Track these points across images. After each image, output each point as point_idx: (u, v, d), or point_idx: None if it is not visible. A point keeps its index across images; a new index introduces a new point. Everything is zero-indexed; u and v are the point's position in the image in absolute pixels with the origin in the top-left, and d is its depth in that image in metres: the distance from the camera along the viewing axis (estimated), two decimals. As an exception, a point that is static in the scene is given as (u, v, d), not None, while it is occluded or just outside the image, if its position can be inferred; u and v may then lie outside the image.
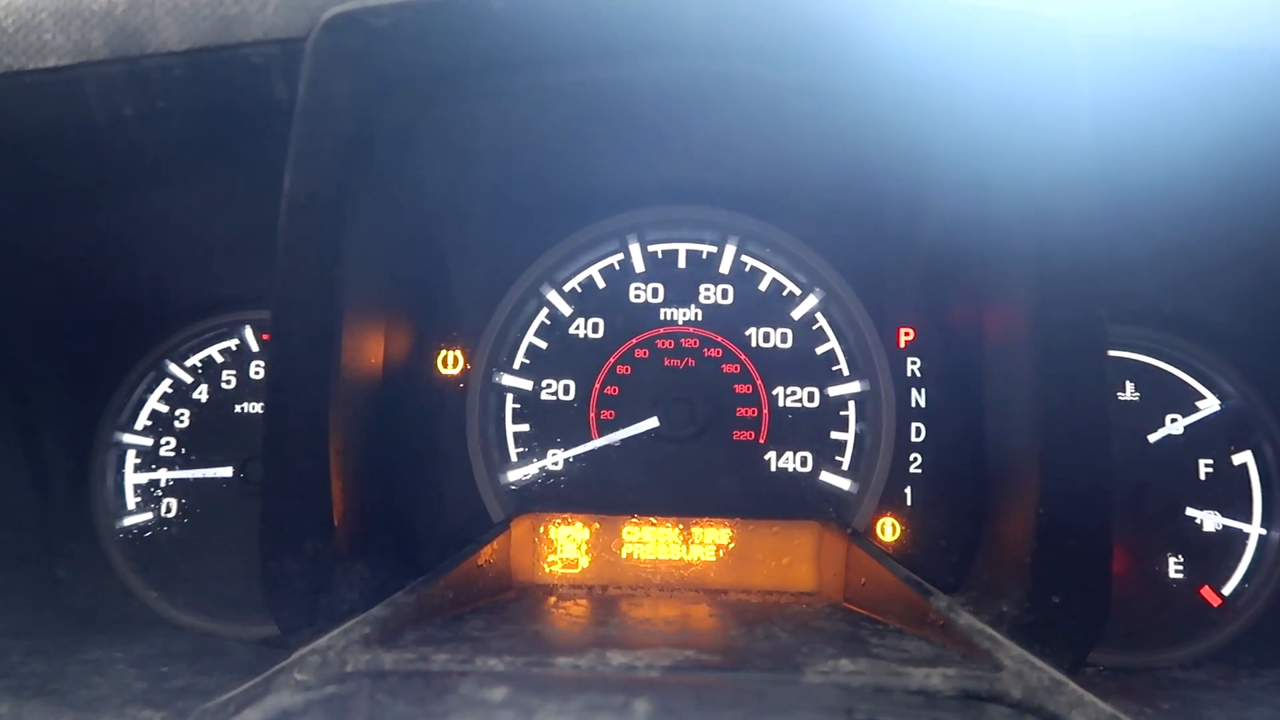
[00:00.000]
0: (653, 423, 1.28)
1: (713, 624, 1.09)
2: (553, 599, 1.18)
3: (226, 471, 1.31)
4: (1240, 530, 1.25)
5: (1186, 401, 1.29)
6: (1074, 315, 0.96)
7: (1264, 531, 1.25)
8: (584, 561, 1.27)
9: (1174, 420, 1.28)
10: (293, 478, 0.99)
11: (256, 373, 1.36)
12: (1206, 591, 1.25)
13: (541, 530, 1.27)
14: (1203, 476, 1.27)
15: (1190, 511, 1.25)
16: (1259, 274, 1.18)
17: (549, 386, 1.32)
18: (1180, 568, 1.26)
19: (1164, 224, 1.13)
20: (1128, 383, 1.30)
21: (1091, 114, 0.87)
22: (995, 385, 1.15)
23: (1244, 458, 1.27)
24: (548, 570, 1.27)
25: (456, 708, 0.75)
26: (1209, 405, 1.28)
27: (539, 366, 1.32)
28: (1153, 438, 1.27)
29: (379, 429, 1.17)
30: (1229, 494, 1.27)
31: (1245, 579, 1.25)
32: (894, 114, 1.04)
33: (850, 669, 0.86)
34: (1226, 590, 1.25)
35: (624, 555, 1.27)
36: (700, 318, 1.33)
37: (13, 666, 1.04)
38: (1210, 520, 1.25)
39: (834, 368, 1.31)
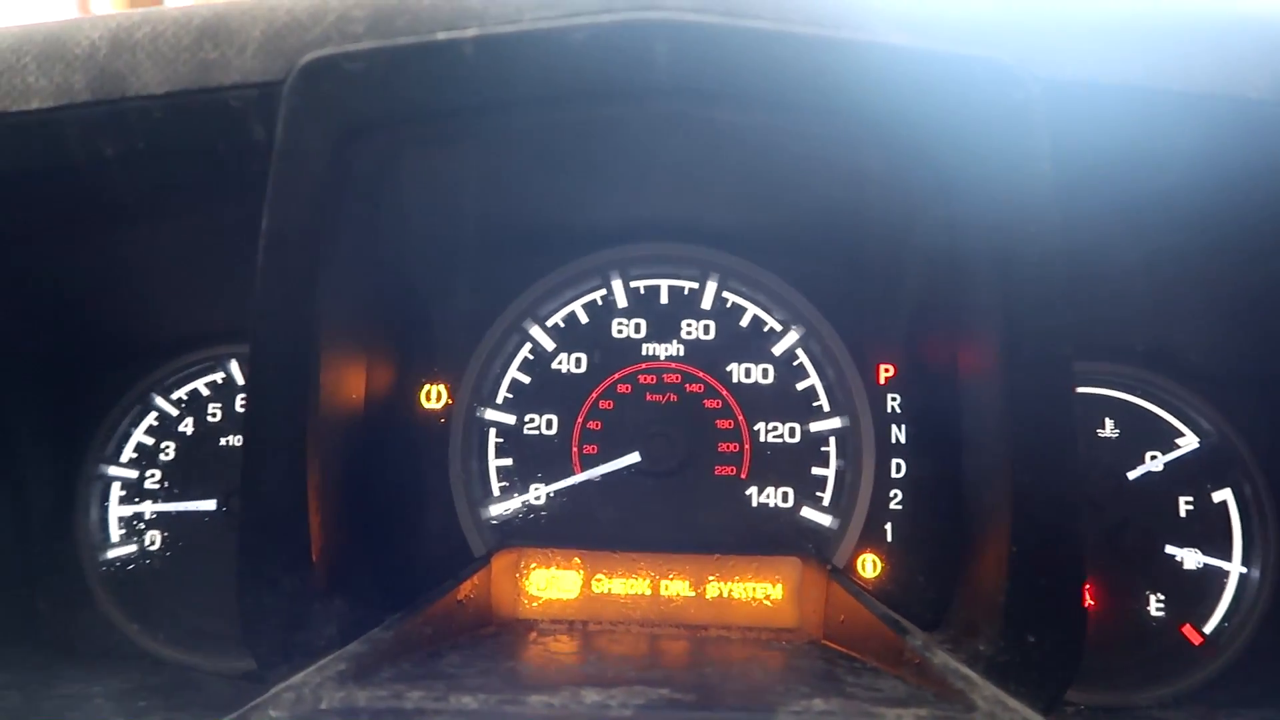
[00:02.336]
0: (634, 457, 1.29)
1: (689, 661, 1.09)
2: (533, 634, 1.18)
3: (210, 504, 1.32)
4: (1220, 568, 1.25)
5: (1166, 439, 1.29)
6: (1039, 354, 0.97)
7: (1244, 569, 1.25)
8: (565, 597, 1.27)
9: (1154, 457, 1.28)
10: (270, 513, 1.00)
11: (242, 406, 1.37)
12: (1188, 630, 1.25)
13: (523, 565, 1.27)
14: (1183, 514, 1.28)
15: (1170, 549, 1.26)
16: (1235, 314, 1.19)
17: (531, 421, 1.33)
18: (1161, 606, 1.25)
19: (1138, 264, 1.14)
20: (1107, 419, 1.30)
21: (1052, 157, 0.89)
22: (969, 423, 1.16)
23: (1224, 495, 1.27)
24: (528, 605, 1.27)
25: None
26: (1188, 442, 1.28)
27: (522, 401, 1.33)
28: (1132, 475, 1.27)
29: (359, 463, 1.17)
30: (1209, 531, 1.27)
31: (1226, 617, 1.24)
32: (871, 155, 1.06)
33: (822, 709, 0.85)
34: (1207, 629, 1.25)
35: (605, 591, 1.27)
36: (682, 353, 1.34)
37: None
38: (1190, 558, 1.26)
39: (814, 404, 1.32)
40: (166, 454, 1.36)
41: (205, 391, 1.37)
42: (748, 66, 0.87)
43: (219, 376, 1.37)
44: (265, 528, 1.00)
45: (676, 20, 0.87)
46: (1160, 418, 1.30)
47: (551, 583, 1.28)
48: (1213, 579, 1.25)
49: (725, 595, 1.27)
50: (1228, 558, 1.26)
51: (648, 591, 1.28)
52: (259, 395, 0.94)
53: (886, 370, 1.31)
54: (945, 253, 1.12)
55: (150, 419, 1.36)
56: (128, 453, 1.35)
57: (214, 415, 1.36)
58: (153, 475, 1.35)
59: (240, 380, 1.37)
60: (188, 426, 1.36)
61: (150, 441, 1.36)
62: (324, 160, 0.88)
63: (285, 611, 1.02)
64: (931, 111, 0.90)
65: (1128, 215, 1.03)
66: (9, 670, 1.14)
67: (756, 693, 0.95)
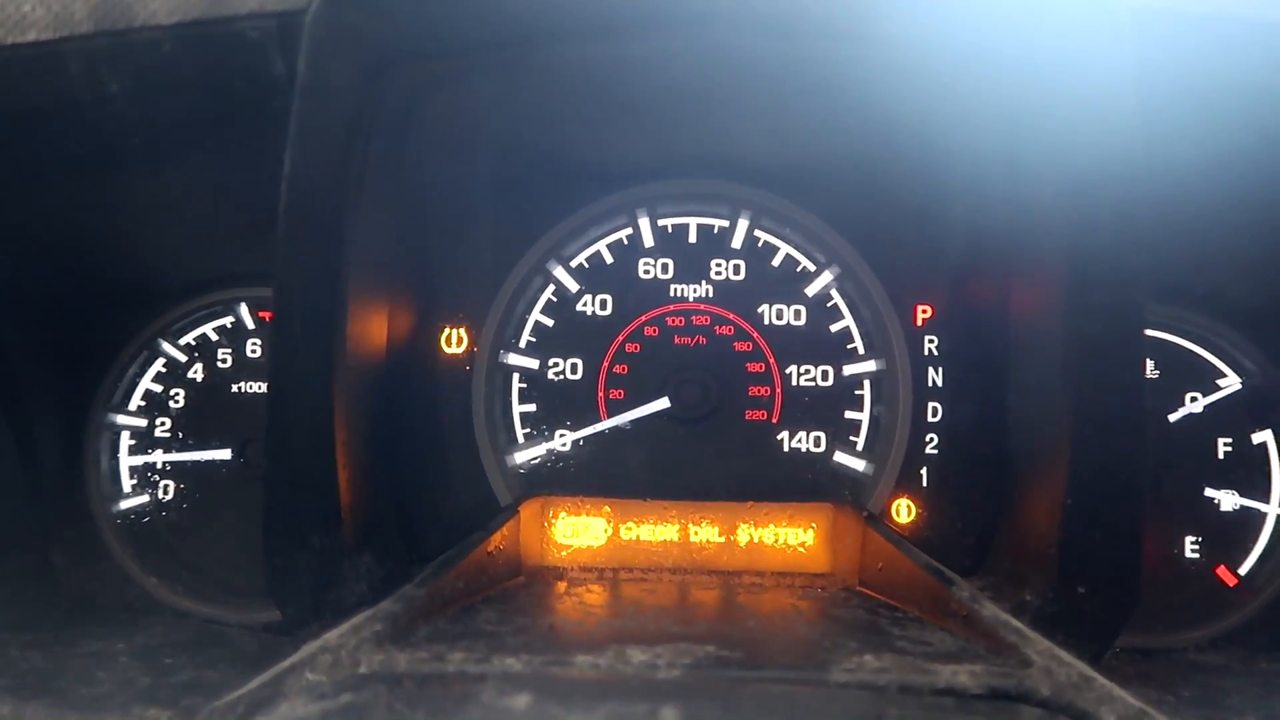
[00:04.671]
0: (663, 403, 1.25)
1: (729, 613, 1.07)
2: (563, 585, 1.16)
3: (225, 454, 1.28)
4: (1258, 510, 1.24)
5: (1207, 380, 1.27)
6: (1111, 298, 0.93)
7: (1281, 511, 1.24)
8: (594, 544, 1.25)
9: (1194, 399, 1.26)
10: (298, 469, 0.96)
11: (253, 351, 1.32)
12: (1222, 571, 1.24)
13: (550, 513, 1.24)
14: (1221, 455, 1.26)
15: (1208, 491, 1.24)
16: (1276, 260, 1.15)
17: (556, 366, 1.29)
18: (1196, 548, 1.25)
19: (1190, 201, 1.09)
20: (1149, 361, 1.27)
21: (1138, 91, 0.83)
22: (1020, 367, 1.12)
23: (1264, 436, 1.25)
24: (556, 554, 1.25)
25: (478, 718, 0.73)
26: (1230, 383, 1.26)
27: (546, 345, 1.29)
28: (1173, 417, 1.25)
29: (383, 414, 1.13)
30: (1248, 473, 1.25)
31: (1262, 559, 1.24)
32: (919, 88, 0.99)
33: (876, 666, 0.84)
34: (1243, 570, 1.24)
35: (634, 538, 1.25)
36: (711, 294, 1.29)
37: (12, 662, 1.01)
38: (1228, 500, 1.24)
39: (849, 346, 1.28)
40: (176, 401, 1.31)
41: (214, 336, 1.32)
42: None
43: (228, 320, 1.32)
44: (293, 484, 0.96)
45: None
46: (1202, 358, 1.27)
47: (580, 530, 1.25)
48: (1250, 521, 1.24)
49: (756, 541, 1.25)
50: (1266, 499, 1.24)
51: (677, 538, 1.26)
52: (284, 348, 0.89)
53: (924, 311, 1.27)
54: (1002, 189, 1.07)
55: (158, 365, 1.31)
56: (136, 400, 1.31)
57: (224, 361, 1.32)
58: (163, 424, 1.31)
59: (250, 324, 1.32)
60: (197, 373, 1.32)
61: (159, 389, 1.31)
62: (349, 97, 0.81)
63: (315, 569, 0.99)
64: (1006, 38, 0.83)
65: (1193, 152, 0.97)
66: (28, 629, 1.11)
67: (805, 649, 0.93)
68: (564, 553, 1.24)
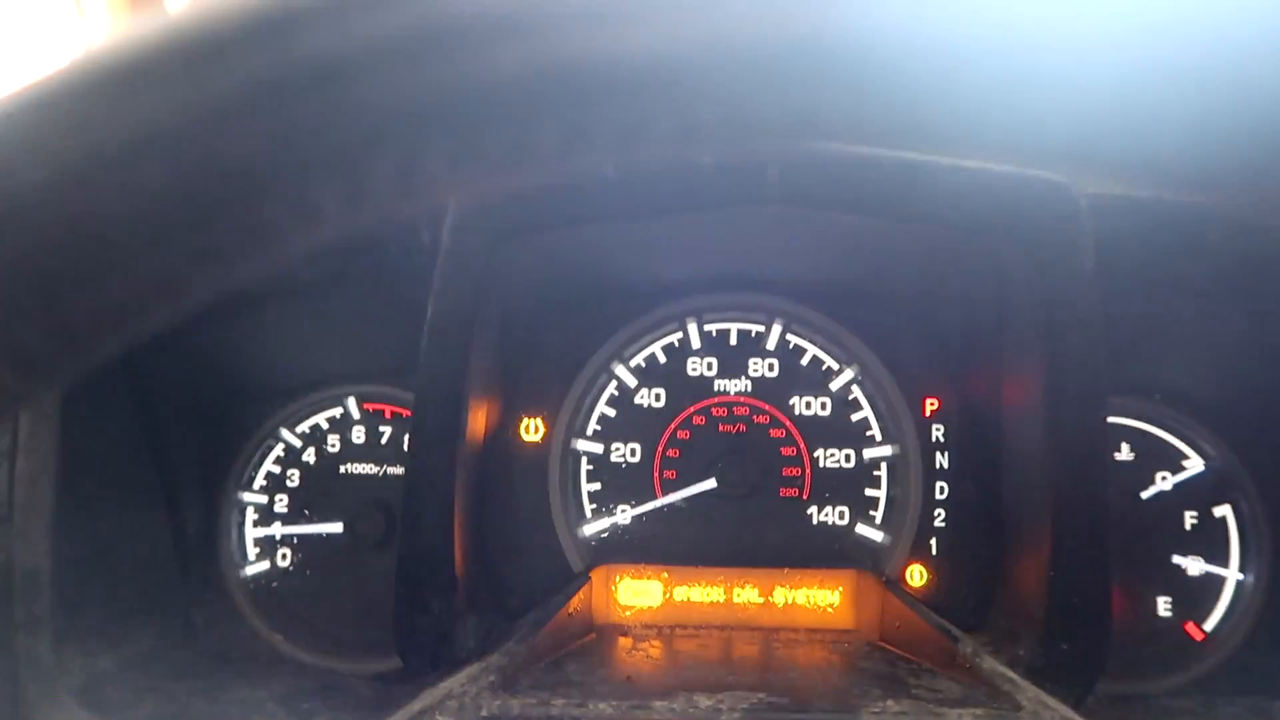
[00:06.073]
0: (710, 483, 1.47)
1: (772, 665, 1.28)
2: (629, 640, 1.37)
3: (337, 527, 1.50)
4: (1220, 574, 1.44)
5: (1175, 462, 1.47)
6: (1079, 390, 1.16)
7: (1240, 576, 1.44)
8: (652, 605, 1.46)
9: (1164, 478, 1.47)
10: (425, 546, 1.18)
11: (358, 437, 1.54)
12: (1191, 628, 1.44)
13: (616, 579, 1.46)
14: (1188, 527, 1.46)
15: (1176, 558, 1.44)
16: (1236, 360, 1.38)
17: (618, 450, 1.51)
18: (1168, 607, 1.44)
19: (1159, 322, 1.33)
20: (1124, 445, 1.48)
21: (1095, 252, 1.07)
22: (1012, 453, 1.35)
23: (1224, 511, 1.46)
24: (620, 613, 1.46)
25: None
26: (1194, 465, 1.47)
27: (609, 432, 1.51)
28: (1145, 494, 1.46)
29: (480, 495, 1.36)
30: (1211, 542, 1.45)
31: (1225, 617, 1.43)
32: (935, 239, 1.23)
33: (897, 710, 1.05)
34: (1208, 627, 1.44)
35: (686, 599, 1.46)
36: (750, 389, 1.51)
37: (183, 707, 1.22)
38: (1194, 566, 1.44)
39: (868, 433, 1.50)
40: (292, 481, 1.53)
41: (325, 425, 1.54)
42: (847, 181, 1.04)
43: (338, 411, 1.54)
44: (421, 560, 1.19)
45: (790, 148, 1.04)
46: (1171, 443, 1.48)
47: (640, 593, 1.47)
48: (1213, 584, 1.44)
49: (791, 602, 1.46)
50: (1226, 565, 1.44)
51: (722, 599, 1.47)
52: (420, 448, 1.12)
53: (932, 404, 1.49)
54: (992, 310, 1.30)
55: (278, 450, 1.53)
56: (259, 480, 1.53)
57: (333, 446, 1.54)
58: (281, 500, 1.53)
59: (356, 414, 1.54)
60: (310, 456, 1.54)
61: (278, 470, 1.53)
62: (481, 260, 1.05)
63: (435, 629, 1.21)
64: (995, 216, 1.07)
65: (1152, 289, 1.21)
66: (182, 678, 1.33)
67: (838, 694, 1.14)
68: (628, 613, 1.45)
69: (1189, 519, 1.46)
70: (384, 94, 0.36)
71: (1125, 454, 1.48)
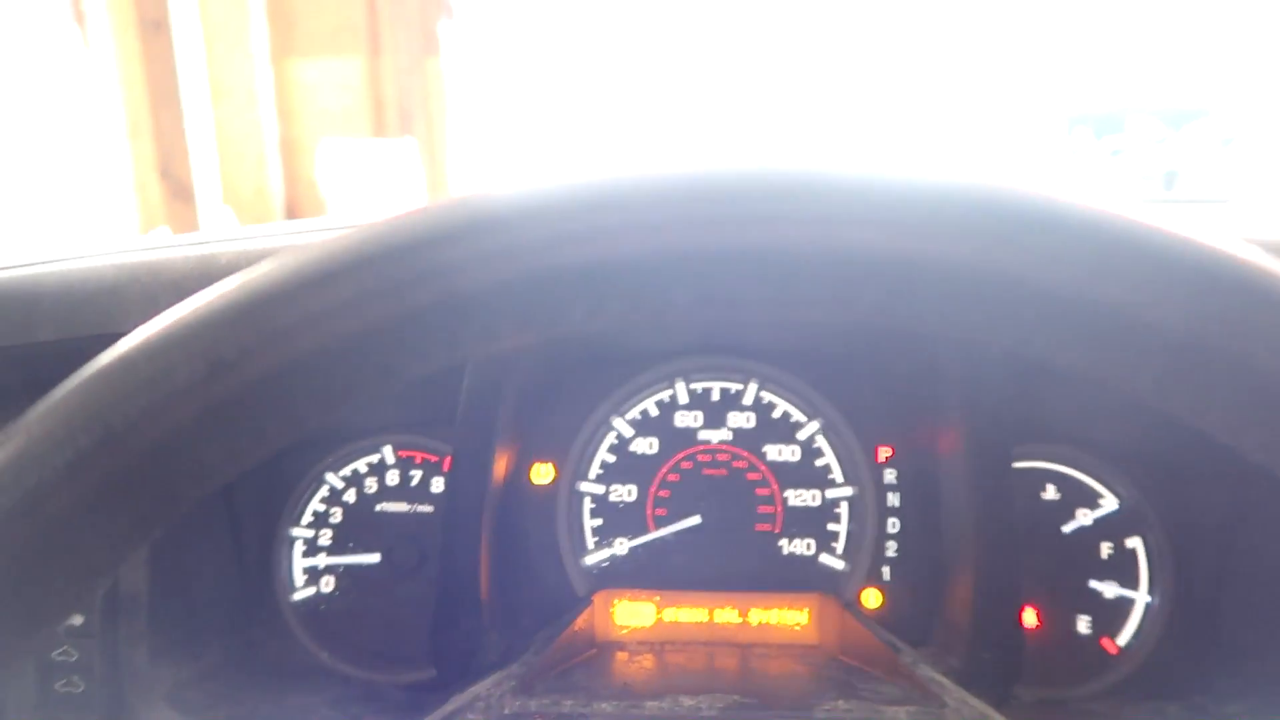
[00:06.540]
0: (696, 519, 1.72)
1: (746, 674, 1.52)
2: (625, 655, 1.61)
3: (374, 558, 1.74)
4: (1131, 597, 1.68)
5: (1093, 500, 1.72)
6: (990, 442, 1.42)
7: (1150, 599, 1.68)
8: (645, 624, 1.70)
9: (1084, 514, 1.71)
10: (458, 573, 1.43)
11: (392, 480, 1.78)
12: (1107, 642, 1.67)
13: (614, 602, 1.69)
14: (1104, 556, 1.70)
15: (1094, 583, 1.69)
16: (1145, 412, 1.63)
17: (616, 490, 1.76)
18: (1088, 625, 1.68)
19: (1079, 381, 1.58)
20: (1049, 485, 1.73)
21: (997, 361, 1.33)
22: (945, 491, 1.60)
23: (1135, 542, 1.69)
24: (618, 631, 1.70)
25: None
26: (1108, 502, 1.71)
27: (609, 476, 1.76)
28: (1066, 528, 1.70)
29: (499, 530, 1.60)
30: (1124, 569, 1.69)
31: (1136, 634, 1.67)
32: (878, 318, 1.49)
33: (845, 708, 1.29)
34: (1122, 642, 1.67)
35: (675, 620, 1.70)
36: (730, 438, 1.76)
37: (252, 711, 1.46)
38: (1109, 589, 1.68)
39: (830, 476, 1.74)
40: (335, 518, 1.77)
41: (364, 469, 1.79)
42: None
43: (375, 458, 1.78)
44: (454, 583, 1.43)
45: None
46: (1089, 485, 1.72)
47: (634, 614, 1.70)
48: (1126, 605, 1.67)
49: (764, 621, 1.70)
50: (1137, 589, 1.68)
51: (706, 619, 1.70)
52: (457, 491, 1.37)
53: (885, 451, 1.74)
54: (927, 378, 1.56)
55: (323, 491, 1.78)
56: (306, 517, 1.77)
57: (370, 488, 1.78)
58: (325, 534, 1.77)
59: (391, 460, 1.79)
60: (350, 496, 1.78)
61: (323, 508, 1.77)
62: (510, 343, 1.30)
63: (464, 643, 1.45)
64: (949, 310, 1.34)
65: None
66: (247, 687, 1.56)
67: (799, 697, 1.38)
68: (624, 631, 1.69)
69: (1105, 549, 1.69)
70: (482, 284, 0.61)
71: (1050, 493, 1.73)
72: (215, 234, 1.49)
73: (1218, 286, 0.52)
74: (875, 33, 10.05)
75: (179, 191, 9.56)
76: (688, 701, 1.31)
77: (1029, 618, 1.65)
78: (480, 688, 1.37)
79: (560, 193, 0.56)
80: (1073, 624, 1.68)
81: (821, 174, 0.56)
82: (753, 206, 0.56)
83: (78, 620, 1.34)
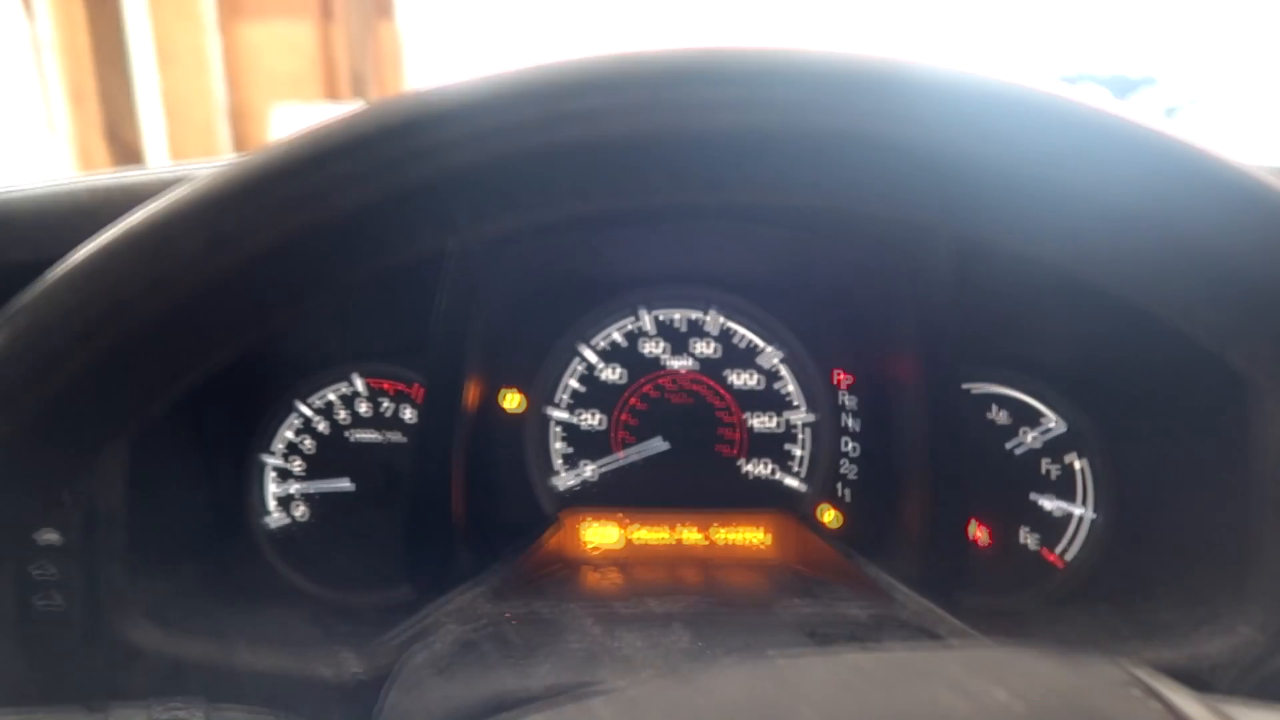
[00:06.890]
0: (659, 443, 1.77)
1: (710, 583, 1.59)
2: (594, 570, 1.67)
3: (346, 484, 1.77)
4: (1073, 512, 1.77)
5: (1037, 421, 1.80)
6: (940, 366, 1.48)
7: (1092, 515, 1.77)
8: (611, 543, 1.76)
9: (1028, 434, 1.80)
10: (430, 494, 1.47)
11: (365, 411, 1.81)
12: (1052, 556, 1.77)
13: (582, 521, 1.75)
14: (1049, 474, 1.79)
15: (1037, 498, 1.78)
16: (1090, 334, 1.70)
17: (583, 417, 1.80)
18: (1035, 540, 1.77)
19: (1027, 303, 1.66)
20: (996, 407, 1.81)
21: (956, 270, 1.39)
22: (898, 414, 1.67)
23: (1077, 461, 1.79)
24: (586, 549, 1.76)
25: (567, 633, 1.24)
26: (1050, 422, 1.80)
27: (576, 402, 1.80)
28: (1012, 445, 1.79)
29: (470, 452, 1.65)
30: (1066, 486, 1.77)
31: (1080, 548, 1.76)
32: (838, 247, 1.55)
33: (802, 605, 1.36)
34: (1067, 556, 1.77)
35: (640, 539, 1.76)
36: (694, 365, 1.82)
37: (230, 624, 1.50)
38: (1051, 505, 1.78)
39: (791, 401, 1.81)
40: (307, 448, 1.80)
41: (334, 399, 1.81)
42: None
43: (346, 389, 1.81)
44: (426, 504, 1.47)
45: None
46: (1034, 406, 1.80)
47: (601, 534, 1.76)
48: (1067, 519, 1.77)
49: (727, 540, 1.77)
50: (1076, 504, 1.78)
51: (669, 538, 1.77)
52: (430, 417, 1.41)
53: (843, 377, 1.80)
54: (882, 305, 1.62)
55: (294, 420, 1.80)
56: (278, 445, 1.80)
57: (343, 418, 1.81)
58: (296, 462, 1.80)
59: (361, 389, 1.82)
60: (323, 426, 1.81)
61: (294, 438, 1.80)
62: (477, 264, 1.33)
63: (439, 559, 1.50)
64: (880, 243, 1.40)
65: (1021, 282, 1.54)
66: (223, 605, 1.60)
67: (760, 598, 1.46)
68: (592, 549, 1.75)
69: (1050, 468, 1.78)
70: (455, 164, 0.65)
71: (998, 415, 1.81)
72: (188, 162, 1.49)
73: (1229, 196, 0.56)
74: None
75: (127, 155, 9.31)
76: (654, 604, 1.37)
77: (980, 533, 1.74)
78: (453, 597, 1.42)
79: (549, 74, 0.60)
80: (1019, 538, 1.78)
81: (789, 57, 0.60)
82: (726, 90, 0.60)
83: (56, 538, 1.36)
